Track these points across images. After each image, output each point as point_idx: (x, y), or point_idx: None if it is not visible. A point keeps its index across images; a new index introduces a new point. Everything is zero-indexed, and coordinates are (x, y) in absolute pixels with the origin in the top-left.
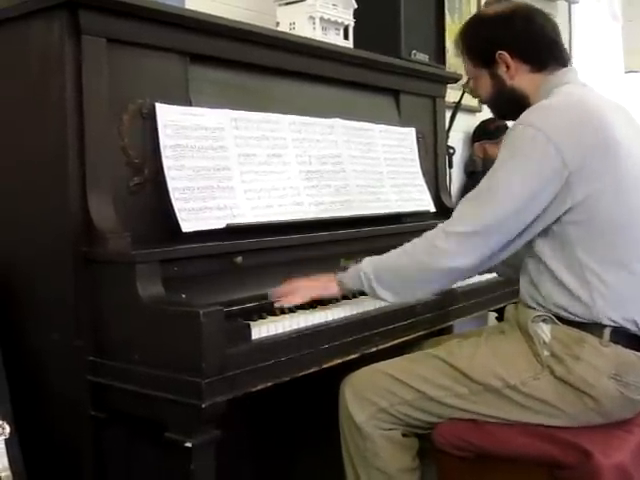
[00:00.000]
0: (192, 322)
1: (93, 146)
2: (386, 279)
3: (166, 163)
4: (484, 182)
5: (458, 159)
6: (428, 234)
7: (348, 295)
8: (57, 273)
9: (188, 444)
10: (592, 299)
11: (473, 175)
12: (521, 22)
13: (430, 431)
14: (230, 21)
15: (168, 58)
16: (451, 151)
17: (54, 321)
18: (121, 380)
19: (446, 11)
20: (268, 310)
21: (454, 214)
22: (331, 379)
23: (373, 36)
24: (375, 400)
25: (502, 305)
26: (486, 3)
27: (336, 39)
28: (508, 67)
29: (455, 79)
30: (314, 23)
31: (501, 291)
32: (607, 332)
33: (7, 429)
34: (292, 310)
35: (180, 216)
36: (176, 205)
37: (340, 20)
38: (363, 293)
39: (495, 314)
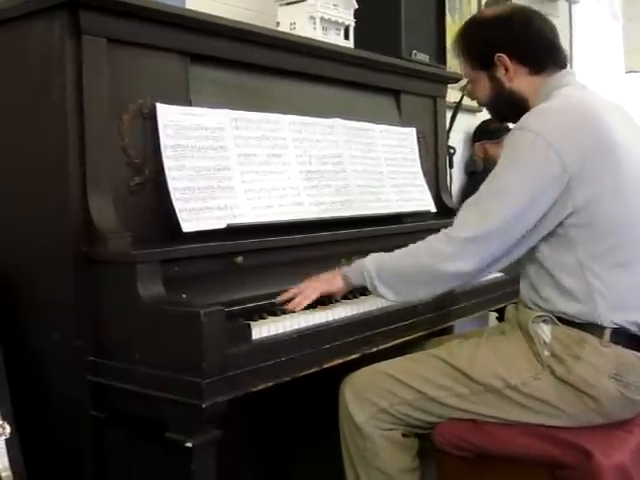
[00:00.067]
0: (193, 322)
1: (94, 146)
2: (387, 278)
3: (167, 163)
4: (484, 187)
5: (459, 159)
6: (432, 237)
7: (348, 295)
8: (58, 273)
9: (189, 444)
10: (593, 301)
11: (474, 175)
12: (519, 24)
13: (430, 431)
14: (230, 21)
15: (168, 58)
16: (452, 151)
17: (54, 321)
18: (121, 380)
19: (447, 11)
20: (269, 310)
21: (456, 219)
22: (332, 379)
23: (374, 36)
24: (375, 400)
25: (503, 305)
26: (486, 4)
27: (337, 39)
28: (507, 70)
29: (456, 79)
30: (314, 23)
31: (501, 291)
32: (607, 333)
33: (7, 429)
34: (293, 310)
35: (181, 216)
36: (177, 205)
37: (341, 20)
38: (364, 292)
39: (496, 314)
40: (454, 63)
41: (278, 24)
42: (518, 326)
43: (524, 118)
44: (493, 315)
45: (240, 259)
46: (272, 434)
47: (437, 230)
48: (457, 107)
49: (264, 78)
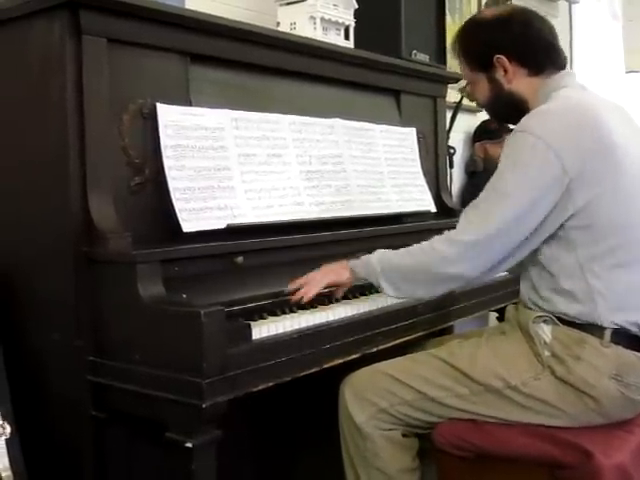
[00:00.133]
0: (193, 322)
1: (94, 146)
2: (390, 274)
3: (167, 163)
4: (486, 190)
5: (459, 159)
6: (435, 239)
7: (348, 295)
8: (58, 273)
9: (189, 444)
10: (593, 301)
11: (474, 175)
12: (518, 26)
13: (430, 431)
14: (230, 21)
15: (168, 58)
16: (452, 151)
17: (55, 321)
18: (121, 380)
19: (447, 11)
20: (269, 310)
21: (458, 223)
22: (332, 379)
23: (374, 36)
24: (375, 400)
25: (503, 305)
26: (486, 4)
27: (337, 39)
28: (506, 71)
29: (456, 79)
30: (315, 23)
31: (502, 291)
32: (608, 333)
33: (8, 429)
34: (293, 310)
35: (181, 216)
36: (177, 205)
37: (341, 20)
38: (364, 292)
39: (496, 314)
40: (454, 63)
41: (278, 24)
42: (518, 326)
43: (524, 120)
44: (493, 315)
45: (240, 259)
46: (272, 434)
47: (437, 230)
48: (457, 107)
49: (264, 78)
